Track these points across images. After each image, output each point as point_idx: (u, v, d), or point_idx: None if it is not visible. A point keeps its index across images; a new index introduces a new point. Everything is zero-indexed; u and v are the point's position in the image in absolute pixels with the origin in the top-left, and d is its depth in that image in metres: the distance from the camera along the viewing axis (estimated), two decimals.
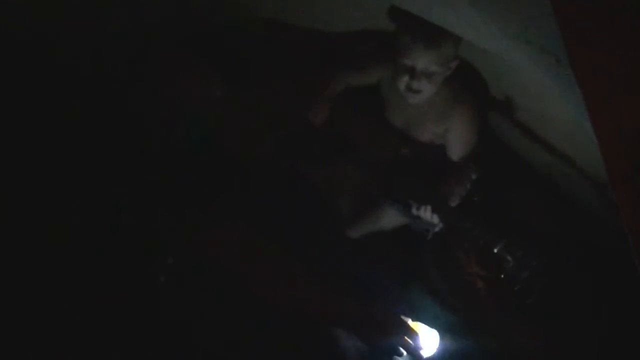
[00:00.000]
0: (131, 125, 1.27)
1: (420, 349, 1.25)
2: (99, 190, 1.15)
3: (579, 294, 1.38)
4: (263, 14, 1.78)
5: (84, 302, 1.09)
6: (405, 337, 1.21)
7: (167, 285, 1.16)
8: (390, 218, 1.63)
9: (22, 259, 1.09)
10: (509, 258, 1.38)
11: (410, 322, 1.28)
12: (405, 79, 1.49)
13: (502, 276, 1.41)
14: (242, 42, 1.78)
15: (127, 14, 1.41)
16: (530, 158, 1.71)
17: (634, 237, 0.92)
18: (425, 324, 1.30)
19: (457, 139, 1.60)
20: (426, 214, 1.47)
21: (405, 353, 1.22)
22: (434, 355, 1.28)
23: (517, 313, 1.39)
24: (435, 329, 1.31)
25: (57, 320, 1.08)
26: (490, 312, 1.41)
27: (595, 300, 1.35)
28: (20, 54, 1.28)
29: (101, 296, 1.10)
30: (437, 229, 1.53)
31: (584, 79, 0.90)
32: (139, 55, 1.35)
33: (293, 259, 1.22)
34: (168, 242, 1.17)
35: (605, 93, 0.88)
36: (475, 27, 1.17)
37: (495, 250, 1.40)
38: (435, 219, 1.47)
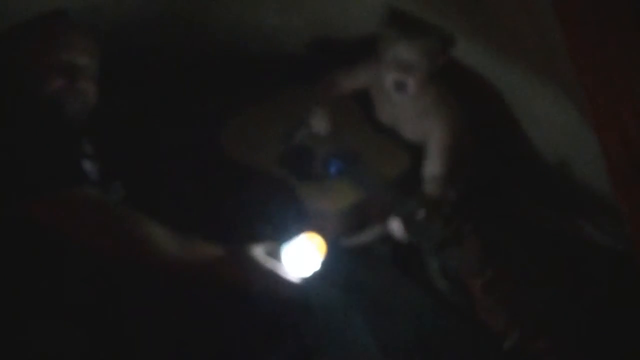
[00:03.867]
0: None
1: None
2: None
3: (581, 294, 1.38)
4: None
5: None
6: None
7: None
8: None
9: None
10: None
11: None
12: (391, 74, 1.53)
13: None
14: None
15: None
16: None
17: (635, 237, 0.92)
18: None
19: (434, 141, 1.60)
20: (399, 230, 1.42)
21: None
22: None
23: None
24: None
25: None
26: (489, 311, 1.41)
27: (596, 301, 1.35)
28: None
29: None
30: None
31: (585, 82, 0.91)
32: None
33: None
34: None
35: (606, 95, 0.89)
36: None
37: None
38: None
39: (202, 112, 1.79)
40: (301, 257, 1.09)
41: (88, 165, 1.21)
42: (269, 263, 1.08)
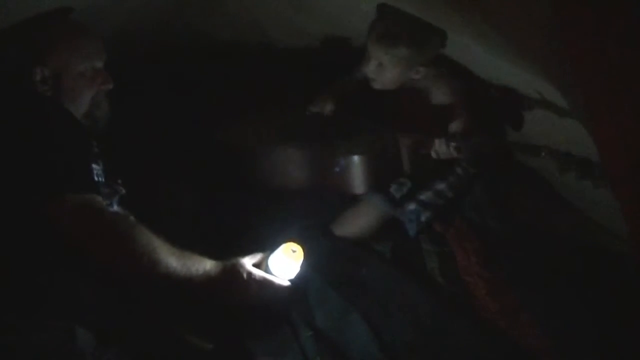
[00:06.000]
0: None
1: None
2: None
3: (580, 294, 1.38)
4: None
5: None
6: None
7: None
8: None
9: None
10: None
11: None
12: (365, 65, 1.59)
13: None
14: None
15: None
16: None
17: (634, 236, 0.92)
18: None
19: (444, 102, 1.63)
20: (442, 147, 1.48)
21: None
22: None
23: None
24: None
25: None
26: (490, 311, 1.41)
27: (596, 301, 1.35)
28: None
29: None
30: (423, 219, 1.55)
31: (584, 81, 0.91)
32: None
33: None
34: None
35: (606, 94, 0.89)
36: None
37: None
38: (452, 150, 1.47)
39: (200, 110, 1.81)
40: (285, 265, 1.21)
41: (96, 168, 1.23)
42: (260, 273, 1.18)
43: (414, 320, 1.32)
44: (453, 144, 1.45)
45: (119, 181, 1.31)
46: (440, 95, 1.63)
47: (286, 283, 1.20)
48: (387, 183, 1.58)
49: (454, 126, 1.57)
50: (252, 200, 1.61)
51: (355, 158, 1.57)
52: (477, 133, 1.51)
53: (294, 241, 1.23)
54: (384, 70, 1.57)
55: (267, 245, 1.29)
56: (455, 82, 1.63)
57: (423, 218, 1.54)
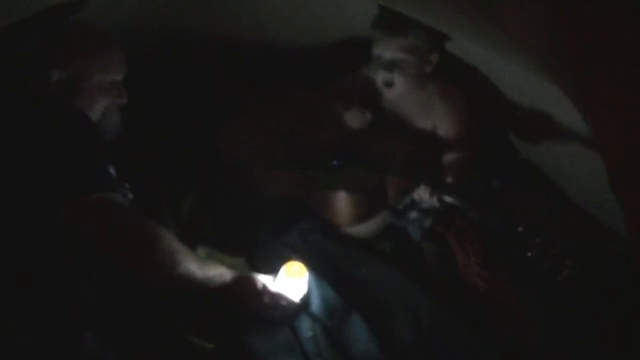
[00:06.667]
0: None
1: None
2: None
3: (580, 293, 1.38)
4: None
5: None
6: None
7: None
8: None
9: None
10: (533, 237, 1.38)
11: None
12: (379, 72, 1.57)
13: (529, 254, 1.40)
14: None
15: None
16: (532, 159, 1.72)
17: (634, 236, 0.92)
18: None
19: (446, 131, 1.65)
20: (425, 195, 1.48)
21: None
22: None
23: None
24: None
25: None
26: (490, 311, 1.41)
27: (596, 300, 1.35)
28: None
29: None
30: (426, 224, 1.55)
31: (584, 81, 0.91)
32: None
33: None
34: None
35: (606, 94, 0.89)
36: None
37: (520, 230, 1.39)
38: (435, 200, 1.48)
39: (202, 113, 1.80)
40: (290, 285, 1.25)
41: (112, 170, 1.23)
42: (274, 286, 1.22)
43: (414, 320, 1.32)
44: (438, 195, 1.47)
45: (127, 186, 1.31)
46: (443, 122, 1.63)
47: (296, 300, 1.25)
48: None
49: (446, 172, 1.58)
50: (252, 201, 1.61)
51: (340, 194, 1.58)
52: (468, 181, 1.53)
53: (293, 259, 1.28)
54: (402, 67, 1.54)
55: (268, 245, 1.29)
56: (461, 100, 1.62)
57: (426, 224, 1.55)
